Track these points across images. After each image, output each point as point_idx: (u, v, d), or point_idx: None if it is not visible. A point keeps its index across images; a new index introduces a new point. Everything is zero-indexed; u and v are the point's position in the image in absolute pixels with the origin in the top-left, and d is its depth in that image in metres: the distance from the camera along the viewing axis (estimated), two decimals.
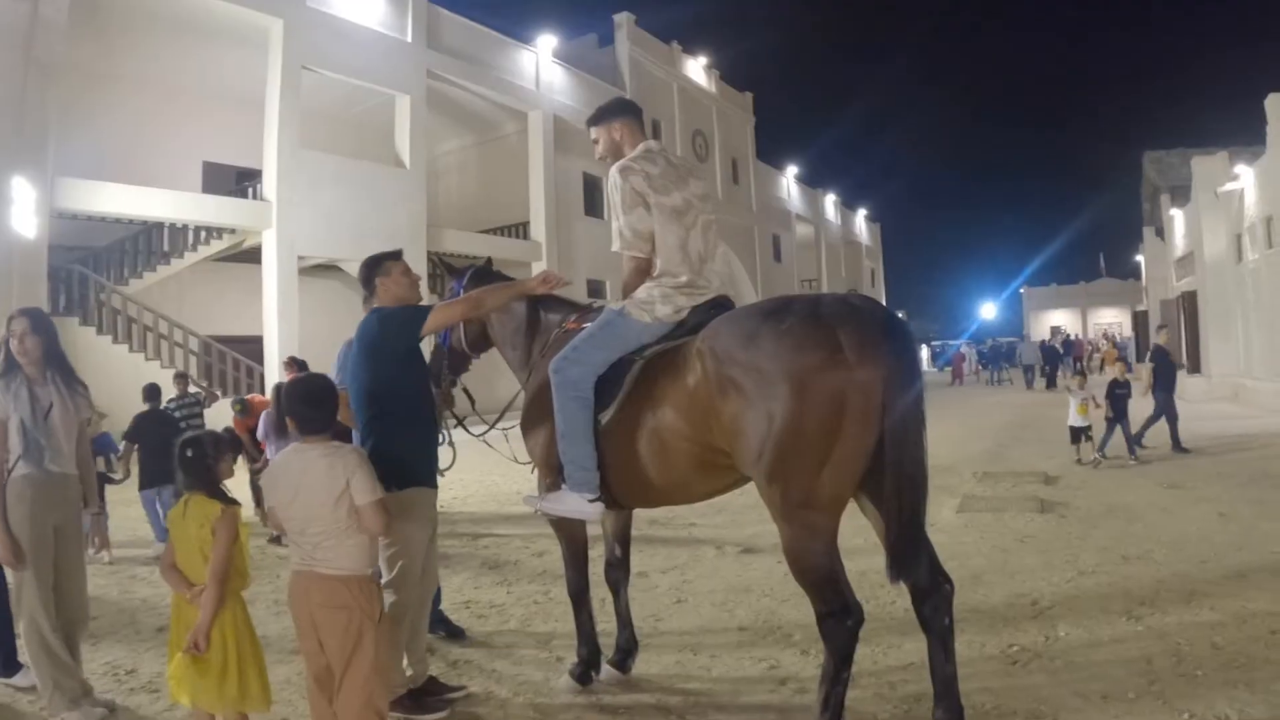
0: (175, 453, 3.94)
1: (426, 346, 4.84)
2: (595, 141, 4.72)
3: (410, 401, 4.51)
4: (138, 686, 5.21)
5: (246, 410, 11.61)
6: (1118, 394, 13.14)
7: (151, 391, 9.86)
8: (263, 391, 18.48)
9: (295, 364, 10.84)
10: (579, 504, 4.32)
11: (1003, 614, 5.80)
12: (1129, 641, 5.18)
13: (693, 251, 4.36)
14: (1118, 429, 13.08)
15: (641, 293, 4.32)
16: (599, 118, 4.70)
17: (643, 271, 4.41)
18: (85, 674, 4.93)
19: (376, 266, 4.79)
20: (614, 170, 4.41)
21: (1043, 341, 39.19)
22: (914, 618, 3.82)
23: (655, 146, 4.51)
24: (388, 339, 4.47)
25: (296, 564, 3.76)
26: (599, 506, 4.36)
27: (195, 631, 3.62)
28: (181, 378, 12.22)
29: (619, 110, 4.70)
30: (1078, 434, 13.01)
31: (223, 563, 3.71)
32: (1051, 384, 33.32)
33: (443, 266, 5.64)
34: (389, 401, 4.42)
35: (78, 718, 4.58)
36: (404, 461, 4.35)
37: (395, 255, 4.90)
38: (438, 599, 6.00)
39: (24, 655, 4.90)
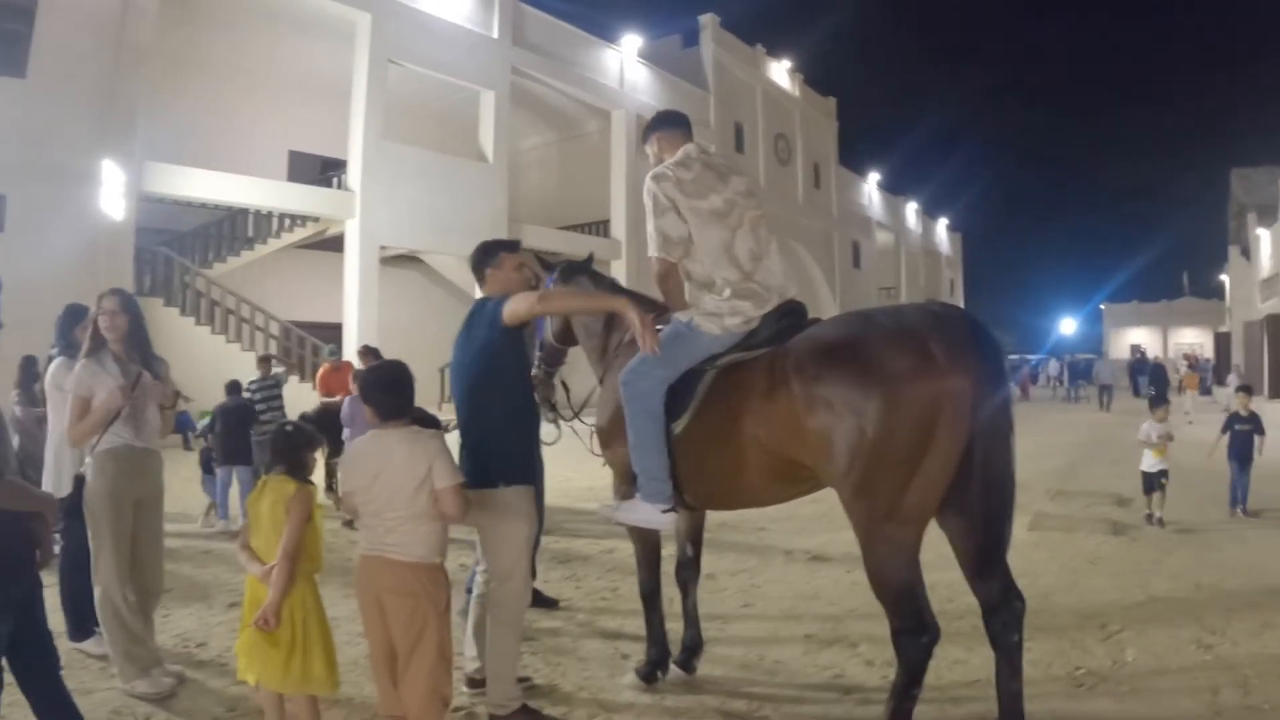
0: (271, 431, 4.03)
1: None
2: None
3: (506, 396, 4.35)
4: (207, 659, 5.38)
5: (339, 359, 12.19)
6: (1237, 430, 10.45)
7: (233, 387, 10.18)
8: None
9: (370, 352, 11.06)
10: (652, 514, 4.33)
11: (1071, 635, 5.73)
12: (1197, 670, 5.11)
13: (741, 251, 4.28)
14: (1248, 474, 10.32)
15: (709, 304, 4.27)
16: (644, 137, 4.74)
17: (669, 276, 4.39)
18: (156, 644, 5.09)
19: (490, 255, 4.62)
20: (648, 177, 4.40)
21: (1137, 359, 37.49)
22: (981, 632, 3.83)
23: (694, 151, 4.46)
24: (479, 329, 4.34)
25: (365, 549, 3.82)
26: (672, 517, 4.38)
27: (265, 608, 3.71)
28: (265, 361, 12.46)
29: (656, 124, 4.71)
30: (1152, 482, 9.74)
31: (294, 541, 3.78)
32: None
33: (538, 263, 5.62)
34: (485, 395, 4.31)
35: (147, 685, 4.74)
36: (502, 459, 4.26)
37: (511, 246, 4.75)
38: None
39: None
